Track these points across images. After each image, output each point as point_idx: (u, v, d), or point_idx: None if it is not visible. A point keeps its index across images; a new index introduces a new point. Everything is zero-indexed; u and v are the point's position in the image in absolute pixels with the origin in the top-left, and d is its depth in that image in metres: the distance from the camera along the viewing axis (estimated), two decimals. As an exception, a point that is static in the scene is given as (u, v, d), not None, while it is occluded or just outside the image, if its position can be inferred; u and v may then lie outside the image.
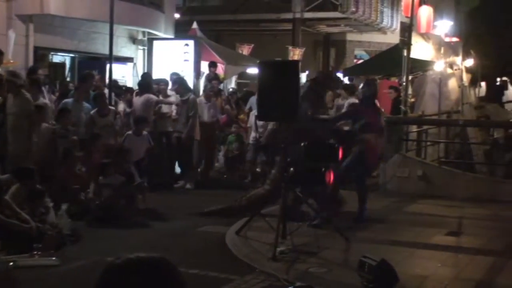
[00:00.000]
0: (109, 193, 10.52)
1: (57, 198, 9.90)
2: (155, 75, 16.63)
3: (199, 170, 14.70)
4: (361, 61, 29.16)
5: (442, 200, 12.13)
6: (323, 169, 14.10)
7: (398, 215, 10.97)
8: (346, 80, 23.42)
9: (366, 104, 10.71)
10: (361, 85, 12.25)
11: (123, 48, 19.33)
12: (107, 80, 14.31)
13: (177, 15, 22.84)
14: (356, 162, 10.02)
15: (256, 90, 16.70)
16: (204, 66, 18.00)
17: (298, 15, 26.13)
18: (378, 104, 11.63)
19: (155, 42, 18.55)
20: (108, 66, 14.00)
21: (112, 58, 14.00)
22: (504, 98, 23.76)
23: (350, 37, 30.53)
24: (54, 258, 8.06)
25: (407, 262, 7.99)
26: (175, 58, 17.60)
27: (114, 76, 15.29)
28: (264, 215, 9.34)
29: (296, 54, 24.78)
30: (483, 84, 22.72)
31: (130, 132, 13.02)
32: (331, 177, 9.79)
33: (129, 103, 14.58)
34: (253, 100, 16.75)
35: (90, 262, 7.78)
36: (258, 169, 15.20)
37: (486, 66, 18.50)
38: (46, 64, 17.45)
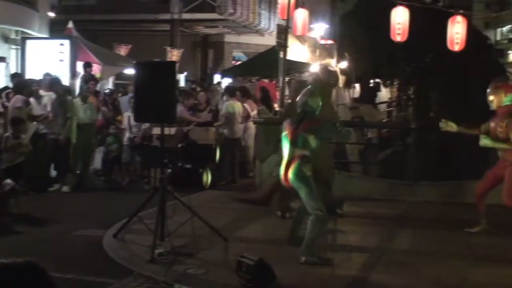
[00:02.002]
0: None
1: None
2: (29, 76, 16.21)
3: (77, 172, 14.41)
4: (239, 62, 29.41)
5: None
6: (200, 170, 14.22)
7: (274, 214, 11.07)
8: (224, 82, 23.61)
9: None
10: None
11: (-5, 48, 18.73)
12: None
13: (52, 14, 22.30)
14: None
15: (128, 90, 16.65)
16: (80, 67, 17.67)
17: (176, 16, 26.09)
18: None
19: (29, 42, 18.05)
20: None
21: (-17, 57, 13.54)
22: (377, 99, 24.47)
23: (228, 38, 30.73)
24: None
25: (285, 261, 8.08)
26: (49, 58, 17.18)
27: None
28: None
29: (174, 55, 24.73)
30: (357, 85, 23.29)
31: (8, 133, 12.61)
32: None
33: (2, 104, 14.16)
34: (123, 100, 16.59)
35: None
36: (134, 169, 15.12)
37: (360, 68, 18.97)
38: None
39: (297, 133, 8.22)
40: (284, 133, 8.39)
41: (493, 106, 9.73)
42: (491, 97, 9.74)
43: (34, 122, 13.55)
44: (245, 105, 15.81)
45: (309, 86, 8.78)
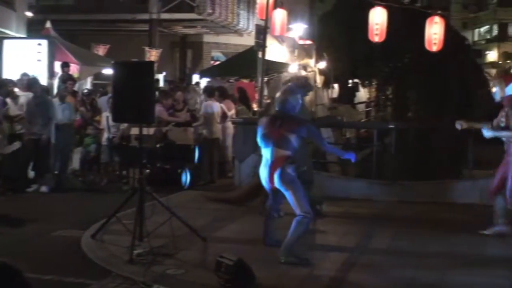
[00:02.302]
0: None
1: None
2: (6, 75, 16.10)
3: (55, 172, 14.32)
4: (218, 62, 29.39)
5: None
6: (179, 170, 14.18)
7: (254, 214, 11.06)
8: (203, 82, 23.57)
9: None
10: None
11: (-29, 47, 18.54)
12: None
13: (29, 14, 22.17)
14: None
15: (108, 91, 16.57)
16: (58, 67, 17.57)
17: (154, 16, 26.00)
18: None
19: (6, 41, 17.93)
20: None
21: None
22: (356, 99, 24.59)
23: (207, 38, 30.68)
24: None
25: (264, 261, 8.07)
26: (27, 58, 17.08)
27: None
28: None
29: (153, 55, 24.68)
30: (336, 85, 23.38)
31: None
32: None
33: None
34: (103, 100, 16.52)
35: None
36: (113, 170, 15.06)
37: (339, 68, 19.02)
38: None
39: (279, 133, 8.05)
40: (261, 133, 8.23)
41: (498, 97, 9.82)
42: (494, 89, 9.86)
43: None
44: (222, 105, 15.80)
45: (289, 84, 8.78)
